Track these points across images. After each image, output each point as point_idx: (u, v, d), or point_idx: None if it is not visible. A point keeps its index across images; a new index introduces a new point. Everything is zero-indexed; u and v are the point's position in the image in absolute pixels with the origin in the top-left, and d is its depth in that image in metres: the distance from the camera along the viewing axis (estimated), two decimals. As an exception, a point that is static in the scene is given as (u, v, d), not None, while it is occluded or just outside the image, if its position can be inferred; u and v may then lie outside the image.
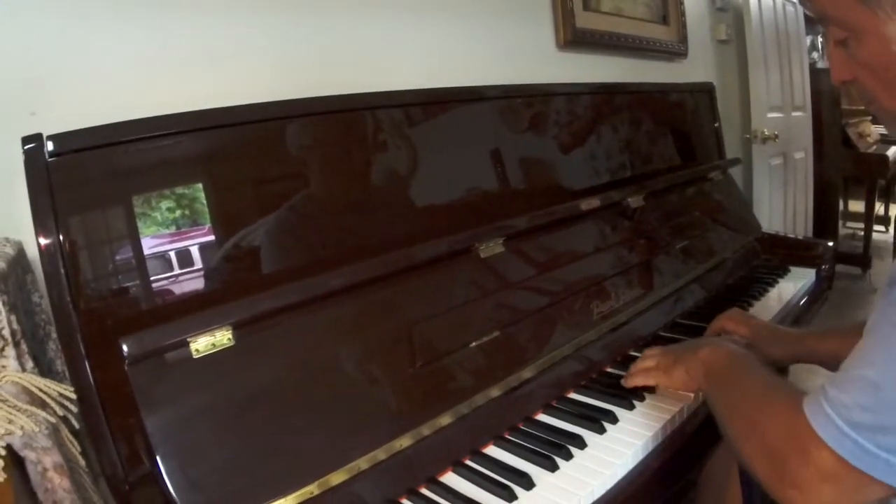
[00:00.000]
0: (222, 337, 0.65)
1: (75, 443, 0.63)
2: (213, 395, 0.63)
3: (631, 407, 0.84)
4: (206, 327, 0.64)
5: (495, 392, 0.82)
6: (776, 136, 2.36)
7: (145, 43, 0.91)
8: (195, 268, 0.71)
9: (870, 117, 3.27)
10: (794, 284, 1.33)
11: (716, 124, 1.71)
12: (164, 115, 0.71)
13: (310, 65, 1.09)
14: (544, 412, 0.85)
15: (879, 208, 3.55)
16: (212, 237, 0.73)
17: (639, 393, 0.86)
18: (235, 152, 0.77)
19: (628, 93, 1.45)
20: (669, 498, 0.80)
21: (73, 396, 0.60)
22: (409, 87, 1.05)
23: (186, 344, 0.63)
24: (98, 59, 0.86)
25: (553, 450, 0.74)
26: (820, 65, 3.47)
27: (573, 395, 0.89)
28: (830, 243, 1.46)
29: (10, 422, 0.53)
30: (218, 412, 0.63)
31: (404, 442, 0.71)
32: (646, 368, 0.86)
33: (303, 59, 1.08)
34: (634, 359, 0.91)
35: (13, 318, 0.58)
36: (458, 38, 1.35)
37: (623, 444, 0.76)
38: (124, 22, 0.88)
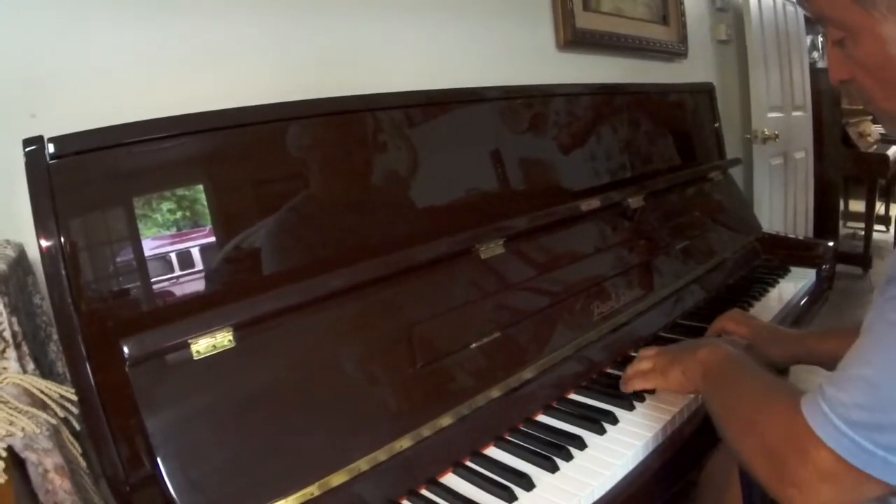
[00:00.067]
0: (223, 338, 0.65)
1: (76, 444, 0.63)
2: (213, 397, 0.63)
3: (631, 408, 0.84)
4: (206, 329, 0.64)
5: (495, 393, 0.82)
6: (776, 136, 2.36)
7: (145, 44, 0.91)
8: (196, 269, 0.71)
9: (870, 117, 3.27)
10: (794, 285, 1.33)
11: (716, 124, 1.71)
12: (165, 118, 0.72)
13: (310, 65, 1.09)
14: (544, 413, 0.85)
15: (880, 208, 3.55)
16: (212, 239, 0.73)
17: (639, 394, 0.86)
18: (236, 154, 0.77)
19: (628, 93, 1.45)
20: (669, 498, 0.80)
21: (74, 398, 0.61)
22: (408, 88, 1.05)
23: (187, 345, 0.63)
24: (98, 60, 0.86)
25: (553, 451, 0.75)
26: (820, 64, 3.47)
27: (573, 396, 0.89)
28: (831, 243, 1.46)
29: (11, 423, 0.53)
30: (218, 413, 0.63)
31: (404, 443, 0.72)
32: (642, 371, 0.86)
33: (303, 59, 1.08)
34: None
35: (14, 319, 0.58)
36: (457, 38, 1.35)
37: (623, 445, 0.76)
38: (124, 23, 0.88)
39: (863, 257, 3.13)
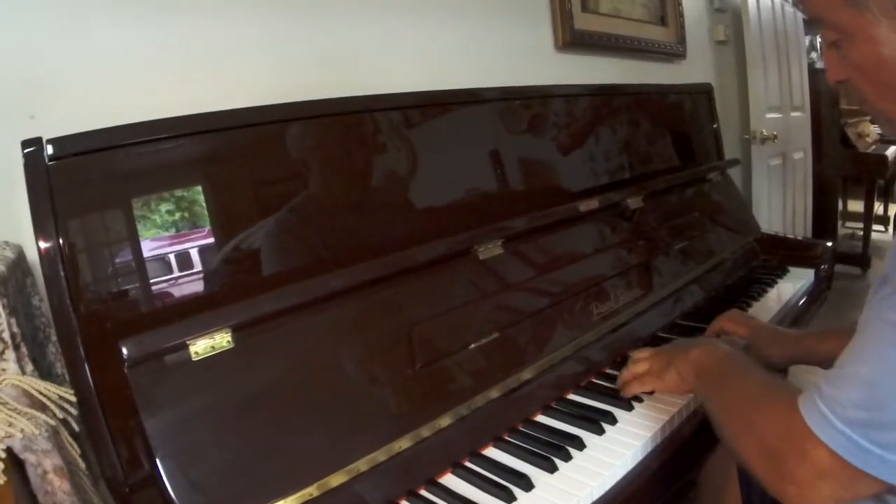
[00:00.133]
0: (221, 339, 0.65)
1: (75, 445, 0.63)
2: (212, 398, 0.63)
3: (630, 408, 0.84)
4: (205, 330, 0.64)
5: (494, 393, 0.82)
6: (775, 137, 2.36)
7: (145, 44, 0.91)
8: (194, 270, 0.72)
9: (868, 117, 3.27)
10: (793, 285, 1.33)
11: (714, 125, 1.71)
12: (164, 119, 0.72)
13: (309, 65, 1.09)
14: (543, 413, 0.85)
15: (878, 208, 3.56)
16: (211, 240, 0.73)
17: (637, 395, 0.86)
18: (234, 155, 0.77)
19: (627, 94, 1.45)
20: (669, 498, 0.80)
21: (73, 399, 0.61)
22: (407, 88, 1.05)
23: (186, 346, 0.63)
24: (97, 60, 0.86)
25: (552, 451, 0.75)
26: (819, 65, 3.47)
27: (572, 397, 0.89)
28: (829, 243, 1.46)
29: (10, 424, 0.53)
30: (217, 414, 0.63)
31: (403, 443, 0.72)
32: (638, 375, 0.86)
33: (302, 59, 1.08)
34: (633, 360, 0.91)
35: (13, 321, 0.58)
36: (456, 39, 1.36)
37: (622, 445, 0.76)
38: (124, 23, 0.88)
39: (861, 257, 3.13)
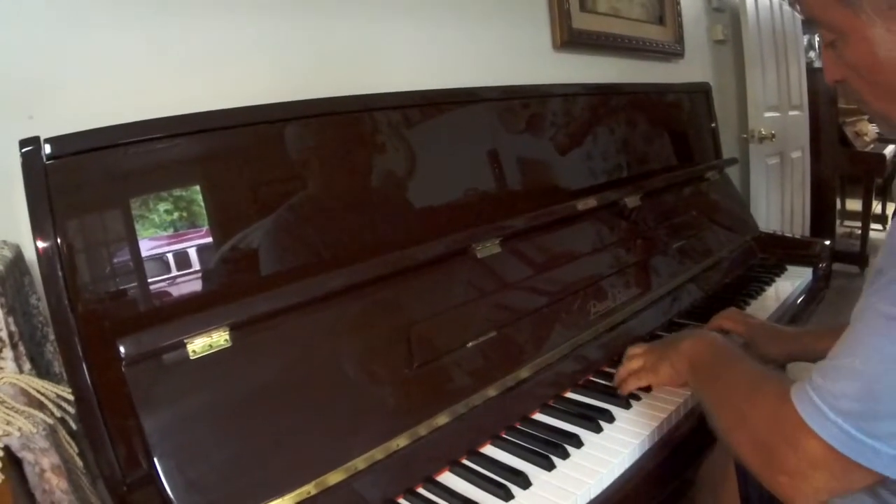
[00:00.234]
0: (219, 338, 0.65)
1: (73, 444, 0.63)
2: (210, 396, 0.63)
3: (627, 406, 0.84)
4: (203, 328, 0.64)
5: (492, 392, 0.82)
6: (773, 136, 2.36)
7: (144, 45, 0.91)
8: (192, 269, 0.72)
9: (867, 116, 3.28)
10: (791, 283, 1.33)
11: (712, 124, 1.71)
12: (162, 118, 0.72)
13: (309, 65, 1.09)
14: (541, 411, 0.85)
15: (876, 206, 3.56)
16: (209, 239, 0.73)
17: (634, 392, 0.86)
18: (232, 155, 0.77)
19: (625, 93, 1.45)
20: (667, 497, 0.80)
21: (71, 398, 0.61)
22: (405, 88, 1.06)
23: (183, 345, 0.63)
24: (96, 61, 0.86)
25: (550, 449, 0.75)
26: (817, 64, 3.47)
27: (570, 395, 0.89)
28: (827, 242, 1.46)
29: (8, 423, 0.53)
30: (215, 413, 0.63)
31: (401, 441, 0.72)
32: (634, 371, 0.86)
33: (301, 60, 1.09)
34: (632, 359, 0.91)
35: (11, 320, 0.58)
36: (454, 39, 1.36)
37: (620, 443, 0.76)
38: (123, 24, 0.88)
39: (859, 256, 3.14)
